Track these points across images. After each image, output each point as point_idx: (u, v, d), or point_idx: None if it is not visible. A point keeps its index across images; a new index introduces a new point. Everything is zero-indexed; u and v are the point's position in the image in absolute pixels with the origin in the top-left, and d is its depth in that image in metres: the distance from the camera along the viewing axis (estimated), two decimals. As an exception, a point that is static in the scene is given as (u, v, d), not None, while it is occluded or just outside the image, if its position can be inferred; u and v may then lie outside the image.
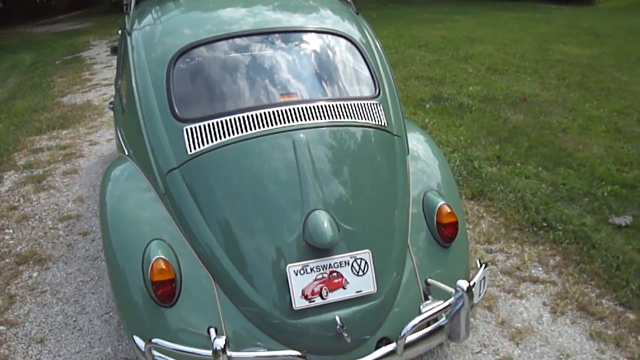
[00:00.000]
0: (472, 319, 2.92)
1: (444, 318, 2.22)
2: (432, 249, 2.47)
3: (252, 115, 2.43)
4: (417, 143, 2.88)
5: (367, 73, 2.76)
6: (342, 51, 2.84)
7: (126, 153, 2.89)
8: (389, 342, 2.20)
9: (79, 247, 3.96)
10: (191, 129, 2.44)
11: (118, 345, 2.94)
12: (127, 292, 2.32)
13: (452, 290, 2.18)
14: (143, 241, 2.34)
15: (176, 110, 2.51)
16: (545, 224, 3.79)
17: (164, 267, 2.22)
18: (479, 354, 2.69)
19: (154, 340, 2.09)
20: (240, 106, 2.54)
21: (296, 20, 2.92)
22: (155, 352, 2.14)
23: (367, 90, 2.73)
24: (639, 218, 3.82)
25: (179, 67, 2.63)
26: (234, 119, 2.43)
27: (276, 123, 2.40)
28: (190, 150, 2.40)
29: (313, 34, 2.85)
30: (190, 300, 2.25)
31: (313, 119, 2.44)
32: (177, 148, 2.43)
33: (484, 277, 2.27)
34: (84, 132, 6.51)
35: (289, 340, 2.18)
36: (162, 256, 2.25)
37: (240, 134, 2.38)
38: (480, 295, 2.30)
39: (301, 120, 2.42)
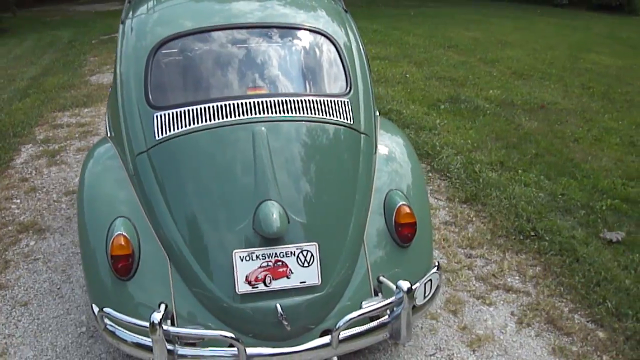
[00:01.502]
0: (433, 321, 2.93)
1: (386, 316, 2.25)
2: (388, 248, 2.50)
3: (217, 106, 2.51)
4: (395, 145, 2.91)
5: (340, 70, 2.79)
6: (316, 47, 2.87)
7: (108, 135, 3.01)
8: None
9: (76, 221, 4.10)
10: (161, 115, 2.55)
11: (92, 314, 3.06)
12: (91, 263, 2.47)
13: (399, 290, 2.21)
14: (110, 217, 2.47)
15: (150, 98, 2.63)
16: (533, 233, 3.75)
17: (123, 243, 2.33)
18: (432, 357, 2.70)
19: (105, 310, 2.26)
20: (207, 97, 2.64)
21: (275, 15, 2.97)
22: (106, 320, 2.28)
23: (337, 87, 2.76)
24: (634, 235, 3.74)
25: (158, 57, 2.75)
26: (200, 108, 2.51)
27: (239, 114, 2.47)
28: (158, 136, 2.50)
29: (290, 29, 2.90)
30: (145, 277, 2.37)
31: (276, 112, 2.50)
32: (148, 133, 2.54)
33: (430, 280, 2.28)
34: (105, 111, 6.69)
35: (234, 323, 2.26)
36: (124, 233, 2.37)
37: (203, 123, 2.47)
38: (426, 297, 2.31)
39: (264, 113, 2.48)
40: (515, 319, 2.97)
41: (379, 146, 2.79)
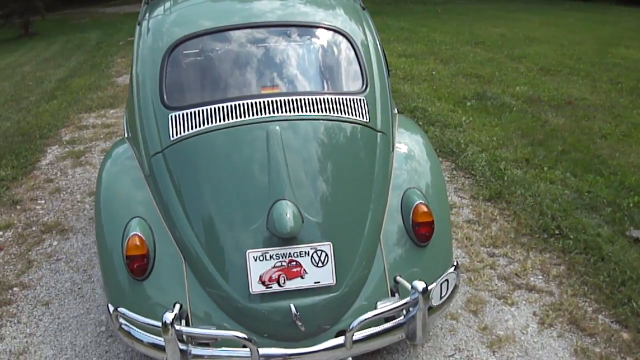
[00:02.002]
0: (453, 321, 2.88)
1: (402, 317, 2.22)
2: (406, 247, 2.46)
3: (231, 106, 2.50)
4: (414, 143, 2.87)
5: (356, 68, 2.75)
6: (332, 45, 2.85)
7: (126, 136, 3.03)
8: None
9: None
10: (176, 116, 2.55)
11: (108, 314, 3.09)
12: (107, 263, 2.49)
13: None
14: (126, 217, 2.48)
15: (165, 98, 2.64)
16: (557, 232, 3.66)
17: (138, 243, 2.34)
18: (451, 358, 2.64)
19: (119, 309, 2.28)
20: (222, 97, 2.63)
21: (291, 14, 2.95)
22: (121, 320, 2.31)
23: (353, 85, 2.73)
24: (662, 233, 3.62)
25: (173, 57, 2.76)
26: (214, 108, 2.51)
27: (254, 114, 2.46)
28: (173, 136, 2.51)
29: (306, 28, 2.88)
30: (160, 277, 2.37)
31: (290, 111, 2.48)
32: (163, 133, 2.55)
33: (446, 280, 2.23)
34: (129, 111, 6.78)
35: (249, 323, 2.25)
36: (139, 233, 2.38)
37: (217, 123, 2.46)
38: (442, 298, 2.26)
39: (278, 112, 2.47)
40: (537, 319, 2.90)
41: (396, 144, 2.75)
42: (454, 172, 4.73)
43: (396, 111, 3.04)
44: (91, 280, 3.44)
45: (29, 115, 6.86)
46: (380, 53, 2.95)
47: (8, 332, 3.05)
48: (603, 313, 2.94)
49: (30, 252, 3.82)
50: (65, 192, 4.70)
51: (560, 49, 8.95)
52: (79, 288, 3.38)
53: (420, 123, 5.83)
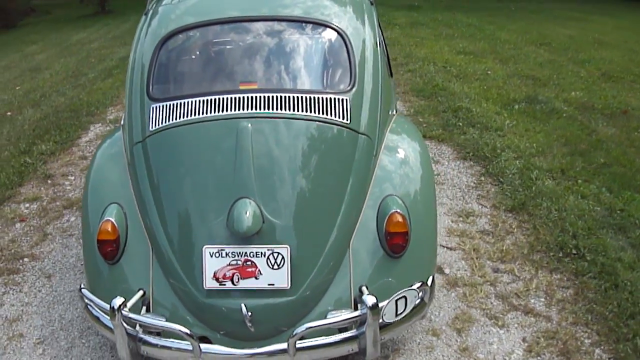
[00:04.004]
0: (434, 338, 2.75)
1: (354, 330, 2.14)
2: (377, 258, 2.36)
3: (206, 100, 2.49)
4: (407, 148, 2.76)
5: (345, 66, 2.65)
6: (320, 41, 2.76)
7: (122, 122, 3.09)
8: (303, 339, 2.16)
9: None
10: (156, 107, 2.57)
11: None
12: (85, 243, 2.58)
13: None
14: (106, 202, 2.55)
15: (150, 89, 2.67)
16: (574, 251, 3.42)
17: (109, 229, 2.40)
18: (420, 376, 2.54)
19: (82, 290, 2.38)
20: (199, 90, 2.63)
21: (287, 7, 2.86)
22: (86, 300, 2.38)
23: (339, 83, 2.63)
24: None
25: (164, 49, 2.78)
26: (191, 102, 2.51)
27: (228, 109, 2.43)
28: (151, 127, 2.53)
29: (298, 22, 2.80)
30: (129, 263, 2.42)
31: (265, 108, 2.42)
32: (144, 124, 2.58)
33: (404, 297, 2.12)
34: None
35: (204, 318, 2.25)
36: (112, 219, 2.44)
37: (191, 117, 2.46)
38: (398, 315, 2.15)
39: (252, 109, 2.42)
40: (525, 345, 2.71)
41: (384, 148, 2.64)
42: (482, 178, 4.52)
43: (394, 112, 2.92)
44: (95, 257, 3.54)
45: (83, 92, 7.14)
46: (380, 51, 2.83)
47: (8, 300, 3.20)
48: (601, 347, 2.71)
49: (48, 226, 3.98)
50: (95, 169, 4.85)
51: (629, 55, 8.38)
52: (81, 264, 3.48)
53: (460, 124, 5.62)
